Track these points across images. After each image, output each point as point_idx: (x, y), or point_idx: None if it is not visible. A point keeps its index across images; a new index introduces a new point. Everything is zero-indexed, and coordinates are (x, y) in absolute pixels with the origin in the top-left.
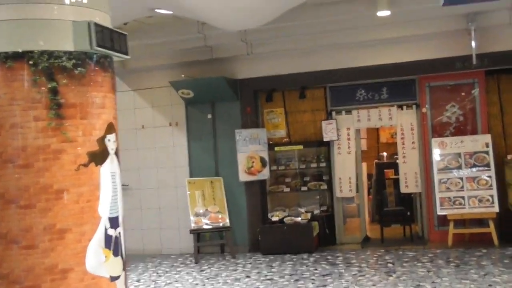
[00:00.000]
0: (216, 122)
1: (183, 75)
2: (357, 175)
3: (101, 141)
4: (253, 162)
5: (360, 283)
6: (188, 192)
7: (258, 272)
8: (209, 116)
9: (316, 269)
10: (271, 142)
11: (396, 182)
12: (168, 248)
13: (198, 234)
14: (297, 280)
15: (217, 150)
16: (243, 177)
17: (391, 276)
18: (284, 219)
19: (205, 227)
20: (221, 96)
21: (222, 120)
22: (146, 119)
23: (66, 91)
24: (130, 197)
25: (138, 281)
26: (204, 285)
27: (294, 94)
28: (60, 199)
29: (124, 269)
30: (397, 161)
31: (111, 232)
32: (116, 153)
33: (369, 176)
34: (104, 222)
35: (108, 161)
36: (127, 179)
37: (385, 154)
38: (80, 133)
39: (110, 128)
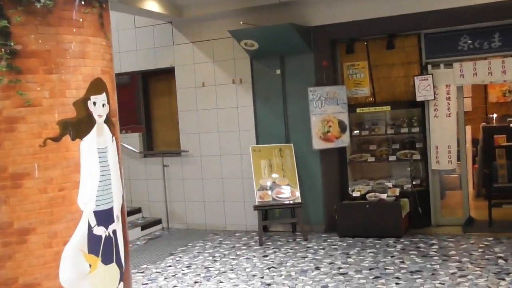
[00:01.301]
0: (286, 79)
1: (241, 22)
2: (459, 143)
3: (81, 104)
4: (329, 126)
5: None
6: (253, 162)
7: (331, 263)
8: (278, 71)
9: (403, 262)
10: (351, 103)
11: (510, 150)
12: (233, 224)
13: (266, 211)
14: (376, 277)
15: (287, 111)
16: (318, 144)
17: (503, 280)
18: (367, 195)
19: (272, 203)
20: (291, 48)
21: (293, 76)
22: (207, 75)
23: (23, 33)
24: (190, 165)
25: (188, 266)
26: (262, 277)
27: (381, 44)
28: (18, 188)
29: (123, 279)
30: (511, 124)
31: (99, 231)
32: (109, 121)
33: (475, 142)
34: (87, 218)
35: (93, 132)
36: (186, 145)
37: (494, 116)
38: (47, 93)
39: (97, 86)
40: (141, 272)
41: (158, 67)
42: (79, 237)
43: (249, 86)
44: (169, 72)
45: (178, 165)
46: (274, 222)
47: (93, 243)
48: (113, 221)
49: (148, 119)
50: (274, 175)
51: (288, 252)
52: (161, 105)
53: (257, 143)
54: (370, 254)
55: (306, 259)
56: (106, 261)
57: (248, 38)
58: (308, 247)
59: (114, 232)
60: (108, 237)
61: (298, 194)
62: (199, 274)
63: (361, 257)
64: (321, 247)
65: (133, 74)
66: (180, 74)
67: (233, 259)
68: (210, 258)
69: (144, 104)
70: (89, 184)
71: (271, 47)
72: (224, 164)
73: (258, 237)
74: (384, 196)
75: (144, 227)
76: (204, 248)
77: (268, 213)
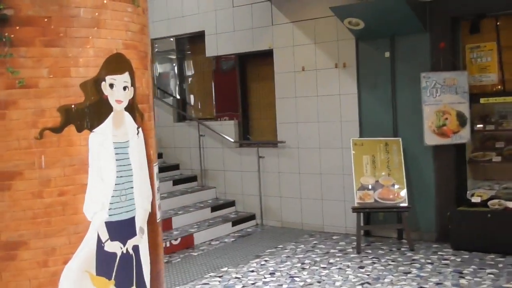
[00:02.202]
0: (396, 63)
1: None
2: None
3: (92, 86)
4: (446, 118)
5: None
6: (353, 157)
7: (438, 283)
8: (387, 54)
9: None
10: (474, 91)
11: None
12: (331, 226)
13: (368, 213)
14: None
15: (395, 101)
16: (431, 139)
17: None
18: (489, 202)
19: (374, 205)
20: (402, 27)
21: (404, 60)
22: (307, 59)
23: None
24: (287, 157)
25: (272, 273)
26: None
27: None
28: (6, 190)
29: None
30: None
31: (112, 247)
32: (134, 109)
33: None
34: (97, 230)
35: (107, 122)
36: (283, 135)
37: None
38: (45, 71)
39: (116, 64)
40: (219, 277)
41: (256, 50)
42: (85, 254)
43: (353, 71)
44: (267, 55)
45: (274, 157)
46: (377, 227)
47: (104, 263)
48: (134, 235)
49: (244, 106)
50: (378, 173)
51: (389, 264)
52: (259, 91)
53: (360, 136)
54: (490, 276)
55: (409, 275)
56: (123, 285)
57: (352, 15)
58: (413, 259)
59: (136, 248)
60: (126, 255)
61: (405, 196)
62: (281, 285)
63: (478, 279)
64: (429, 260)
65: (231, 57)
66: (278, 57)
67: (323, 268)
68: (299, 265)
69: (241, 90)
70: (100, 187)
71: (379, 26)
72: (323, 158)
73: (356, 244)
74: (511, 204)
75: (235, 222)
76: (295, 252)
77: (371, 216)
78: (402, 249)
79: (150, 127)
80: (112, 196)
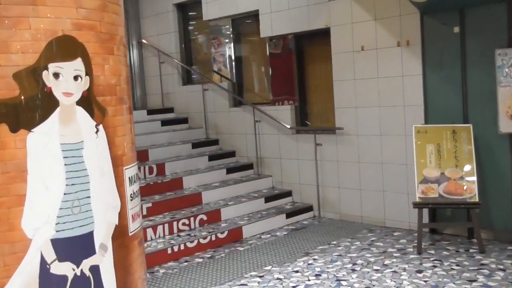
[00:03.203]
0: (467, 39)
1: None
2: None
3: (29, 76)
4: None
5: None
6: (416, 146)
7: None
8: (456, 29)
9: None
10: None
11: None
12: (393, 220)
13: (434, 209)
14: None
15: (466, 82)
16: (507, 125)
17: None
18: None
19: (439, 200)
20: None
21: (476, 35)
22: (367, 37)
23: None
24: (345, 145)
25: (318, 275)
26: None
27: None
28: None
29: None
30: None
31: (62, 269)
32: (92, 103)
33: None
34: (39, 250)
35: (51, 120)
36: (342, 121)
37: None
38: None
39: (63, 48)
40: (260, 277)
41: (312, 29)
42: (25, 278)
43: (418, 50)
44: (324, 34)
45: (332, 145)
46: (442, 224)
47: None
48: (91, 253)
49: (301, 89)
50: (444, 165)
51: (452, 269)
52: (316, 73)
53: (425, 122)
54: None
55: (474, 284)
56: None
57: None
58: (482, 264)
59: (95, 269)
60: (80, 278)
61: (475, 190)
62: None
63: None
64: (501, 266)
65: (286, 37)
66: (336, 36)
67: (376, 270)
68: (350, 265)
69: (297, 72)
70: (44, 198)
71: None
72: (384, 146)
73: (416, 244)
74: None
75: (290, 214)
76: (348, 250)
77: (437, 211)
78: (471, 250)
79: (118, 123)
80: (60, 208)
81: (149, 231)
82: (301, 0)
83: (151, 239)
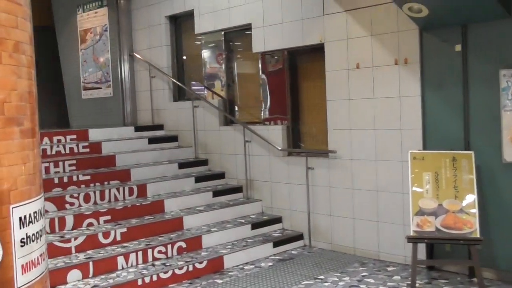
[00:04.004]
0: (469, 58)
1: None
2: None
3: None
4: None
5: None
6: (411, 174)
7: None
8: (458, 47)
9: None
10: None
11: None
12: (388, 254)
13: (431, 245)
14: None
15: (468, 105)
16: (511, 154)
17: None
18: None
19: (436, 235)
20: (477, 12)
21: (480, 54)
22: (363, 54)
23: None
24: (338, 169)
25: None
26: None
27: None
28: None
29: None
30: None
31: None
32: None
33: None
34: None
35: None
36: (335, 143)
37: None
38: None
39: None
40: None
41: (306, 44)
42: None
43: (416, 69)
44: (318, 50)
45: (324, 169)
46: (439, 261)
47: None
48: None
49: (294, 108)
50: (442, 195)
51: None
52: (310, 91)
53: (424, 148)
54: None
55: None
56: None
57: (413, 0)
58: None
59: None
60: None
61: (476, 225)
62: None
63: None
64: None
65: (279, 53)
66: (330, 53)
67: None
68: None
69: (290, 90)
70: None
71: (447, 11)
72: (380, 172)
73: (410, 282)
74: None
75: (278, 243)
76: (335, 287)
77: (436, 246)
78: None
79: (3, 150)
80: None
81: (120, 260)
82: (295, 14)
83: (122, 268)
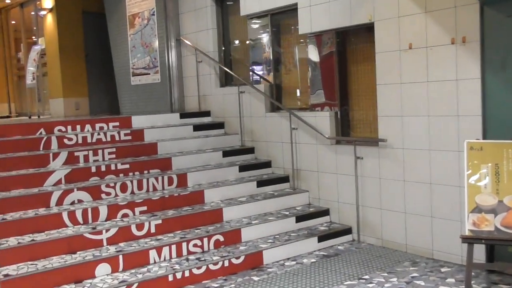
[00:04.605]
0: None
1: None
2: None
3: None
4: None
5: None
6: (467, 166)
7: None
8: None
9: None
10: None
11: None
12: (442, 252)
13: (491, 246)
14: None
15: None
16: None
17: None
18: None
19: (495, 235)
20: None
21: None
22: (416, 33)
23: None
24: (389, 159)
25: None
26: None
27: None
28: None
29: None
30: None
31: None
32: None
33: None
34: None
35: None
36: (385, 131)
37: None
38: None
39: None
40: None
41: (354, 24)
42: None
43: (476, 48)
44: (368, 30)
45: (374, 159)
46: (499, 264)
47: None
48: None
49: (343, 93)
50: (503, 191)
51: None
52: (359, 75)
53: (484, 137)
54: None
55: None
56: None
57: None
58: None
59: None
60: None
61: None
62: None
63: None
64: None
65: (326, 34)
66: (380, 33)
67: None
68: None
69: (339, 74)
70: None
71: None
72: (434, 163)
73: (465, 286)
74: None
75: (324, 237)
76: None
77: (496, 247)
78: None
79: None
80: None
81: (152, 253)
82: None
83: (154, 262)
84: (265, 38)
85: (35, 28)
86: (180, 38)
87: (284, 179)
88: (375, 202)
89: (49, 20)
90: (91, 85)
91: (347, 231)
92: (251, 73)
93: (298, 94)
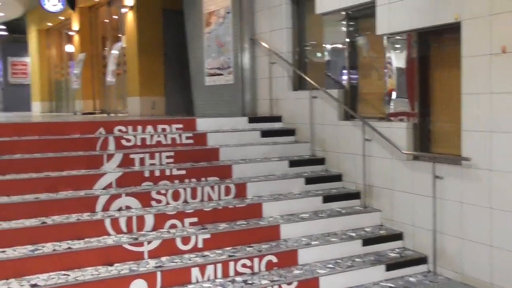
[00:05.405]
0: None
1: None
2: None
3: None
4: None
5: None
6: None
7: None
8: None
9: None
10: None
11: None
12: None
13: None
14: None
15: None
16: None
17: None
18: None
19: None
20: None
21: None
22: (511, 35)
23: None
24: (473, 181)
25: None
26: None
27: None
28: None
29: None
30: None
31: None
32: None
33: None
34: None
35: None
36: (469, 148)
37: None
38: None
39: None
40: None
41: (438, 24)
42: None
43: None
44: (453, 31)
45: (456, 179)
46: None
47: None
48: None
49: (423, 102)
50: None
51: None
52: (442, 82)
53: None
54: None
55: None
56: None
57: None
58: None
59: None
60: None
61: None
62: None
63: None
64: None
65: (406, 35)
66: (468, 34)
67: None
68: None
69: (419, 80)
70: None
71: None
72: None
73: None
74: None
75: (393, 265)
76: None
77: None
78: None
79: None
80: None
81: (195, 271)
82: None
83: (196, 282)
84: (341, 38)
85: (119, 26)
86: (254, 38)
87: (354, 196)
88: (455, 229)
89: (130, 18)
90: (168, 85)
91: (422, 260)
92: (326, 76)
93: (374, 101)
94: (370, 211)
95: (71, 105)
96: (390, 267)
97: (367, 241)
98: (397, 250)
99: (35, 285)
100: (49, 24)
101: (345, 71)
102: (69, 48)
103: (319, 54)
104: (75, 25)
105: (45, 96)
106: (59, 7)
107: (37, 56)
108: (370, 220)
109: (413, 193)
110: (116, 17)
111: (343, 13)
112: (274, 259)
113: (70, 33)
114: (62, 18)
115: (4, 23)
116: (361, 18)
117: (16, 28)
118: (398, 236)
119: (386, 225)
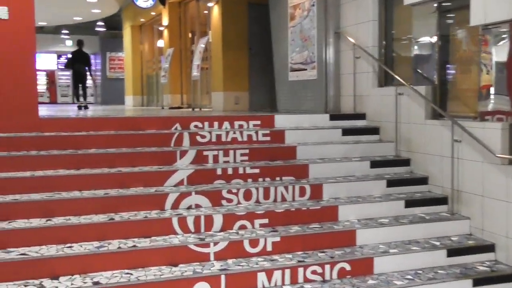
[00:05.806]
0: None
1: None
2: None
3: None
4: None
5: None
6: None
7: None
8: None
9: None
10: None
11: None
12: None
13: None
14: None
15: None
16: None
17: None
18: None
19: None
20: None
21: None
22: None
23: None
24: None
25: None
26: None
27: None
28: None
29: None
30: None
31: None
32: None
33: None
34: None
35: None
36: None
37: None
38: None
39: None
40: None
41: None
42: None
43: None
44: None
45: None
46: None
47: None
48: None
49: None
50: None
51: None
52: None
53: None
54: None
55: None
56: None
57: None
58: None
59: None
60: None
61: None
62: None
63: None
64: None
65: (504, 26)
66: None
67: None
68: None
69: None
70: None
71: None
72: None
73: None
74: None
75: (482, 281)
76: None
77: None
78: None
79: None
80: None
81: (261, 276)
82: None
83: (262, 287)
84: (431, 31)
85: (207, 21)
86: (339, 31)
87: (441, 201)
88: None
89: (215, 12)
90: (252, 80)
91: None
92: (413, 72)
93: (466, 99)
94: (458, 219)
95: (160, 100)
96: (479, 282)
97: (452, 252)
98: (488, 263)
99: (97, 282)
100: (142, 19)
101: (435, 67)
102: (160, 43)
103: (406, 48)
104: (165, 20)
105: (137, 90)
106: (149, 2)
107: (131, 51)
108: (458, 229)
109: (508, 201)
110: (205, 12)
111: (435, 4)
112: (348, 267)
113: (160, 28)
114: (154, 13)
115: (102, 20)
116: (453, 9)
117: (114, 24)
118: (489, 248)
119: (476, 235)
